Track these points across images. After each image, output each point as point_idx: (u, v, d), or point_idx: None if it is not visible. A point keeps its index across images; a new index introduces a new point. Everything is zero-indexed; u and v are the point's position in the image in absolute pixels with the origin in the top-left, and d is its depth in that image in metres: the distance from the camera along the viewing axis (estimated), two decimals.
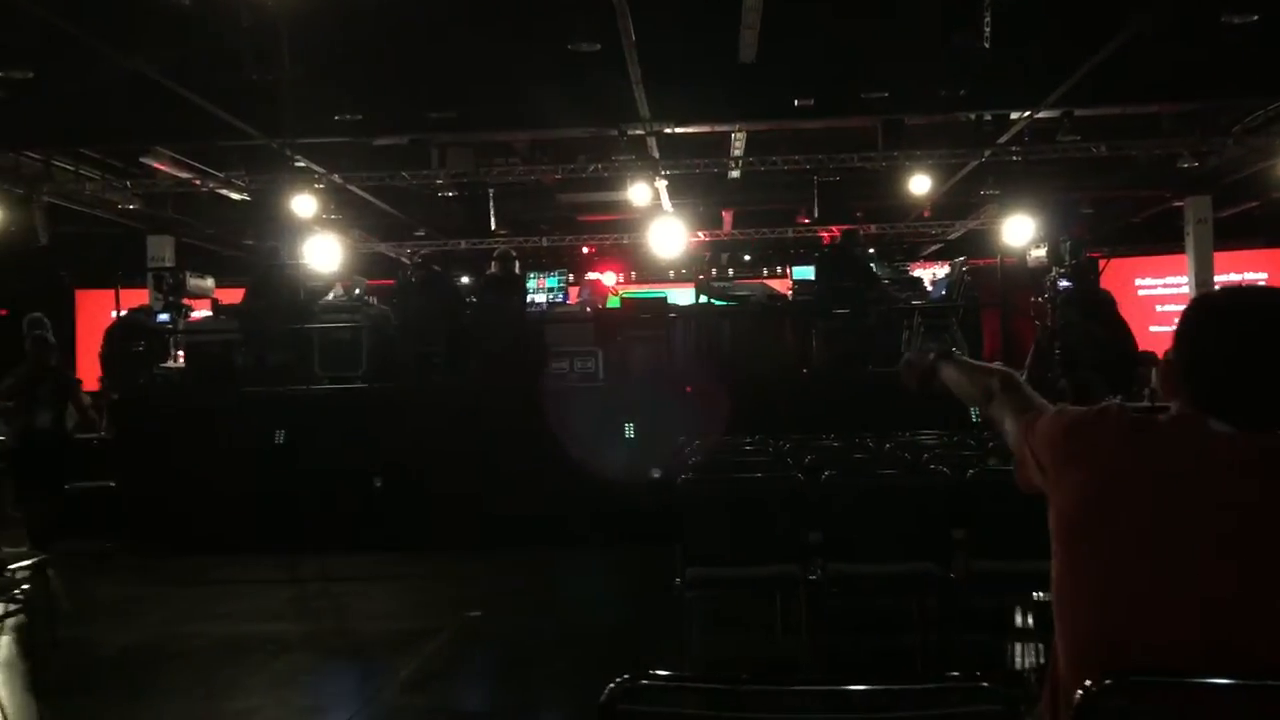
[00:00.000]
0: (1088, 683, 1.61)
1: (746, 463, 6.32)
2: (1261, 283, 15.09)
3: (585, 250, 20.55)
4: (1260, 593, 1.69)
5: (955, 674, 1.92)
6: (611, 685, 1.64)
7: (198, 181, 14.62)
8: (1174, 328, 1.94)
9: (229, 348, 10.72)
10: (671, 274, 20.56)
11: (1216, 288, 2.03)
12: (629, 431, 9.18)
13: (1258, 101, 12.71)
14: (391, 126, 12.92)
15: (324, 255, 14.70)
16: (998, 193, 15.80)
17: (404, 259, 18.93)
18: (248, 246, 17.75)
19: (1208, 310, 1.91)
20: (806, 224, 17.66)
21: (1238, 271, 17.16)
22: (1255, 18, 10.21)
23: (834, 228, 15.64)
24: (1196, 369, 1.86)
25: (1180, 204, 16.89)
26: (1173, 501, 1.76)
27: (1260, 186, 14.95)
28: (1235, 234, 17.40)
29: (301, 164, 13.65)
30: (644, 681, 1.63)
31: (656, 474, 7.63)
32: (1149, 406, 9.57)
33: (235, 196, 15.28)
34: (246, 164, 14.20)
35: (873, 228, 18.48)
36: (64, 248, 15.95)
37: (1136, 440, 1.85)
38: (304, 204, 13.90)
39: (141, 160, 13.86)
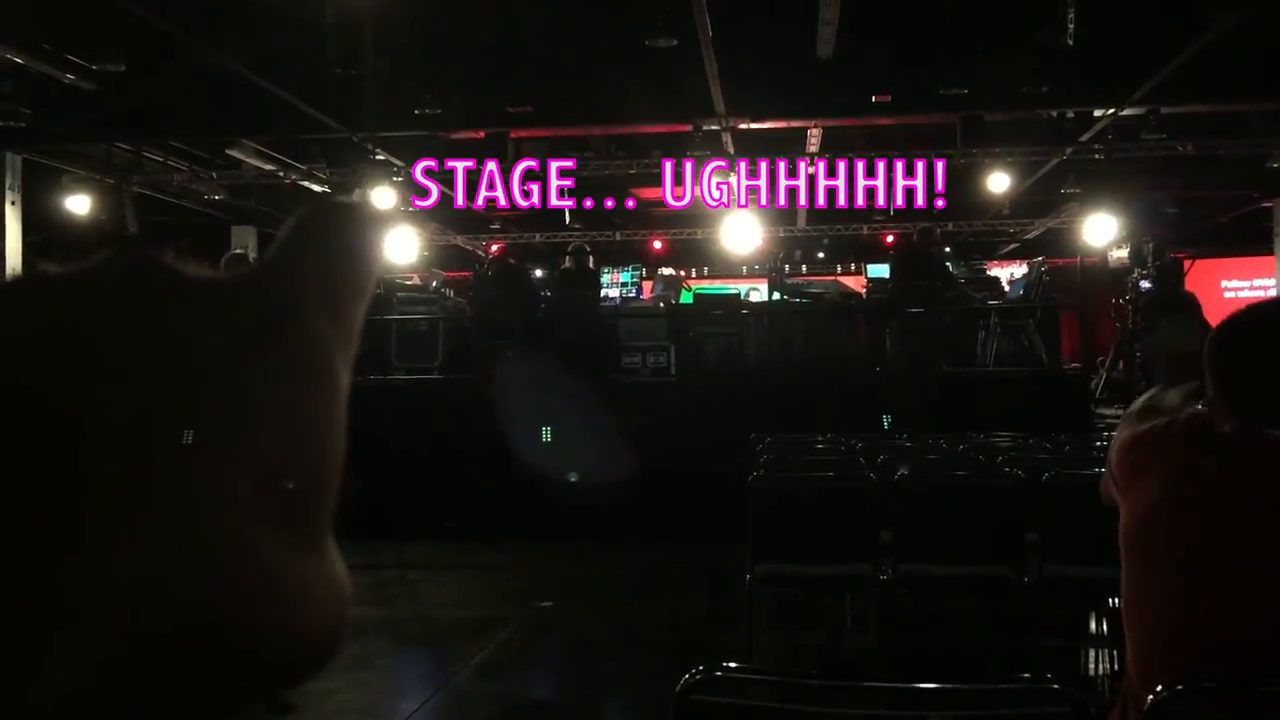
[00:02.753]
0: (1159, 688, 1.61)
1: (818, 461, 6.32)
2: None
3: (656, 245, 20.56)
4: None
5: (1026, 675, 1.94)
6: (686, 676, 1.68)
7: (281, 173, 14.93)
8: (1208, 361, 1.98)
9: None
10: (744, 270, 20.54)
11: (1247, 308, 2.06)
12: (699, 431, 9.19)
13: None
14: (469, 120, 13.08)
15: (402, 248, 14.93)
16: (1079, 191, 15.56)
17: (480, 252, 19.14)
18: None
19: (1242, 332, 1.97)
20: (882, 222, 17.51)
21: None
22: None
23: (910, 225, 15.49)
24: (1237, 385, 1.92)
25: (1269, 204, 16.47)
26: (1236, 505, 1.79)
27: None
28: None
29: (381, 157, 13.88)
30: (717, 673, 1.67)
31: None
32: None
33: (316, 188, 15.58)
34: (328, 156, 14.47)
35: (950, 226, 18.27)
36: (152, 237, 16.38)
37: (1197, 449, 1.88)
38: (383, 196, 14.13)
39: (227, 152, 14.21)
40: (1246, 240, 17.70)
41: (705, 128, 13.07)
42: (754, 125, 13.19)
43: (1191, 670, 1.64)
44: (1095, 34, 10.19)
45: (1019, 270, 15.71)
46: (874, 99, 12.14)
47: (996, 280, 13.51)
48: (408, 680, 5.54)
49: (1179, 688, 1.63)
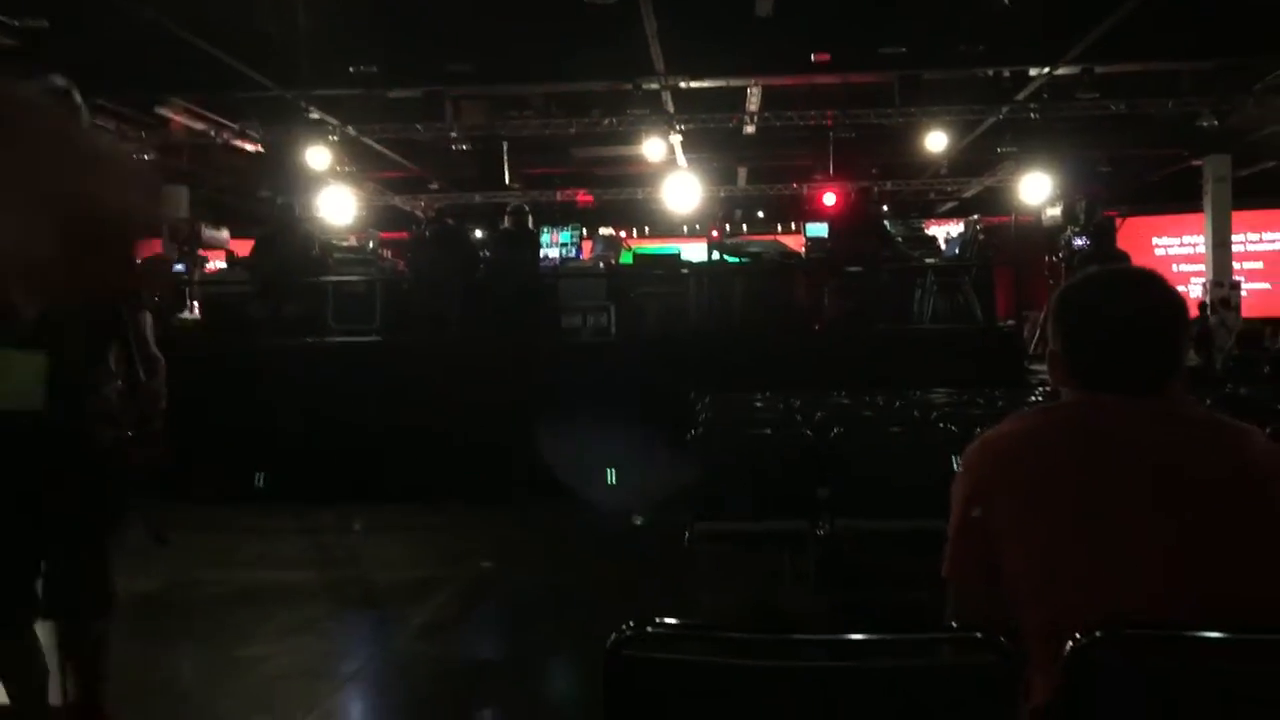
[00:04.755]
0: (1077, 635, 1.64)
1: (757, 419, 6.35)
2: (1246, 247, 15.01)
3: (590, 203, 20.44)
4: (1197, 542, 1.81)
5: (954, 625, 1.97)
6: (616, 632, 1.68)
7: (212, 132, 14.63)
8: (1048, 320, 2.08)
9: (244, 299, 10.76)
10: (685, 230, 20.54)
11: (1078, 277, 2.13)
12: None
13: (1278, 60, 12.58)
14: (406, 79, 12.90)
15: (338, 208, 14.73)
16: (1014, 150, 15.71)
17: (418, 213, 18.94)
18: (262, 198, 17.77)
19: (1081, 296, 2.05)
20: (821, 181, 17.58)
21: (1254, 231, 17.07)
22: None
23: (848, 185, 15.57)
24: (1083, 353, 2.01)
25: (1199, 163, 16.76)
26: (1099, 477, 1.88)
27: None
28: (1254, 193, 17.28)
29: (316, 116, 13.64)
30: (649, 629, 1.68)
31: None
32: None
33: (249, 148, 15.29)
34: (261, 116, 14.20)
35: (888, 185, 18.40)
36: None
37: (1052, 436, 1.98)
38: (318, 156, 13.91)
39: (156, 111, 13.87)
40: (1176, 198, 18.01)
41: (645, 86, 13.01)
42: (693, 84, 13.15)
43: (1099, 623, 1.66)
44: None
45: (955, 229, 15.87)
46: (813, 58, 12.13)
47: (933, 239, 13.64)
48: (348, 642, 5.51)
49: (1097, 634, 1.65)
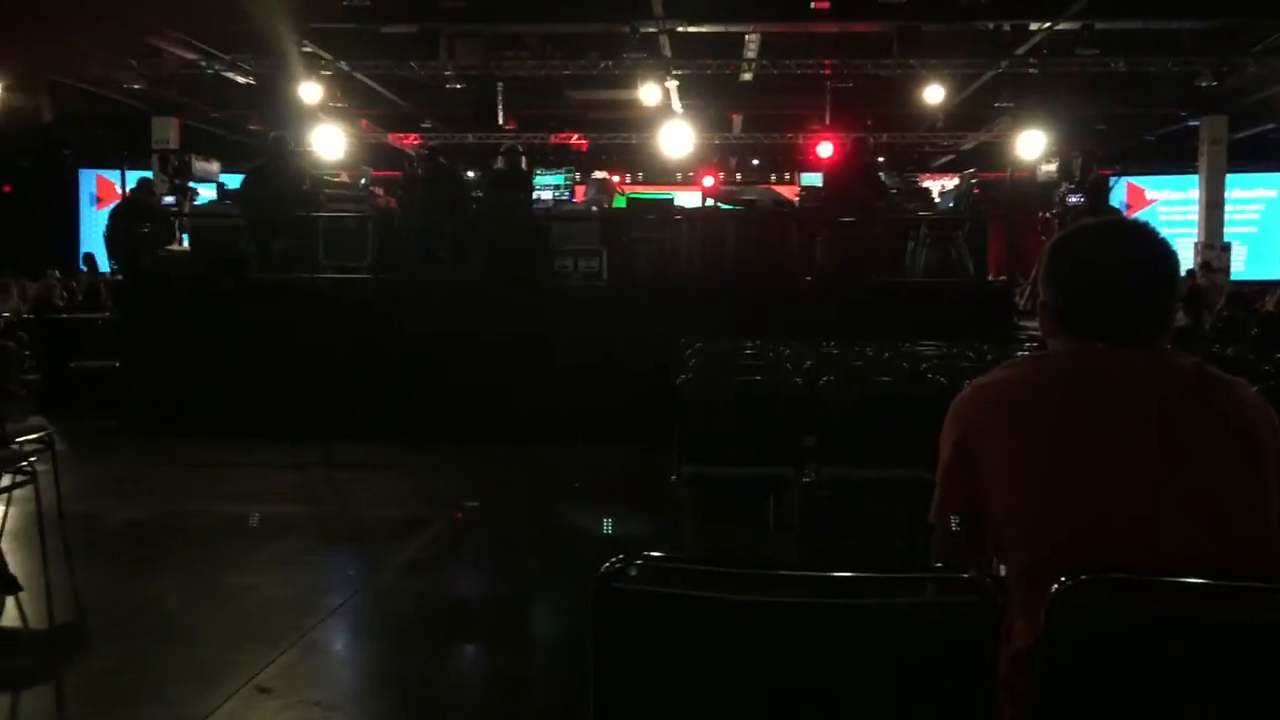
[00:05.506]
0: (1063, 579, 1.66)
1: (746, 366, 6.37)
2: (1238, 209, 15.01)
3: (584, 147, 20.31)
4: (1184, 490, 1.84)
5: (939, 565, 1.99)
6: (605, 565, 1.69)
7: (204, 63, 14.45)
8: (1039, 272, 2.08)
9: (234, 233, 10.70)
10: (679, 177, 20.43)
11: (1070, 229, 2.14)
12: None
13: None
14: (400, 14, 12.74)
15: (329, 143, 14.60)
16: (1012, 105, 15.63)
17: (410, 151, 18.80)
18: (253, 132, 17.61)
19: (1074, 248, 2.06)
20: (817, 130, 17.48)
21: (1247, 193, 17.07)
22: None
23: (844, 135, 15.49)
24: (1075, 303, 2.01)
25: (1195, 124, 16.71)
26: (1088, 424, 1.90)
27: (1278, 108, 14.77)
28: (1249, 156, 17.25)
29: (308, 49, 13.48)
30: (638, 562, 1.69)
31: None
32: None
33: (241, 80, 15.12)
34: (253, 47, 14.02)
35: (884, 137, 18.30)
36: (68, 127, 15.82)
37: (1042, 383, 1.99)
38: (310, 91, 13.77)
39: (148, 40, 13.69)
40: (1172, 159, 17.97)
41: (642, 29, 12.88)
42: (691, 29, 13.02)
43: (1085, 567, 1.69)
44: None
45: (950, 183, 15.82)
46: (813, 5, 12.02)
47: (927, 191, 13.61)
48: (333, 576, 5.55)
49: (1083, 578, 1.67)
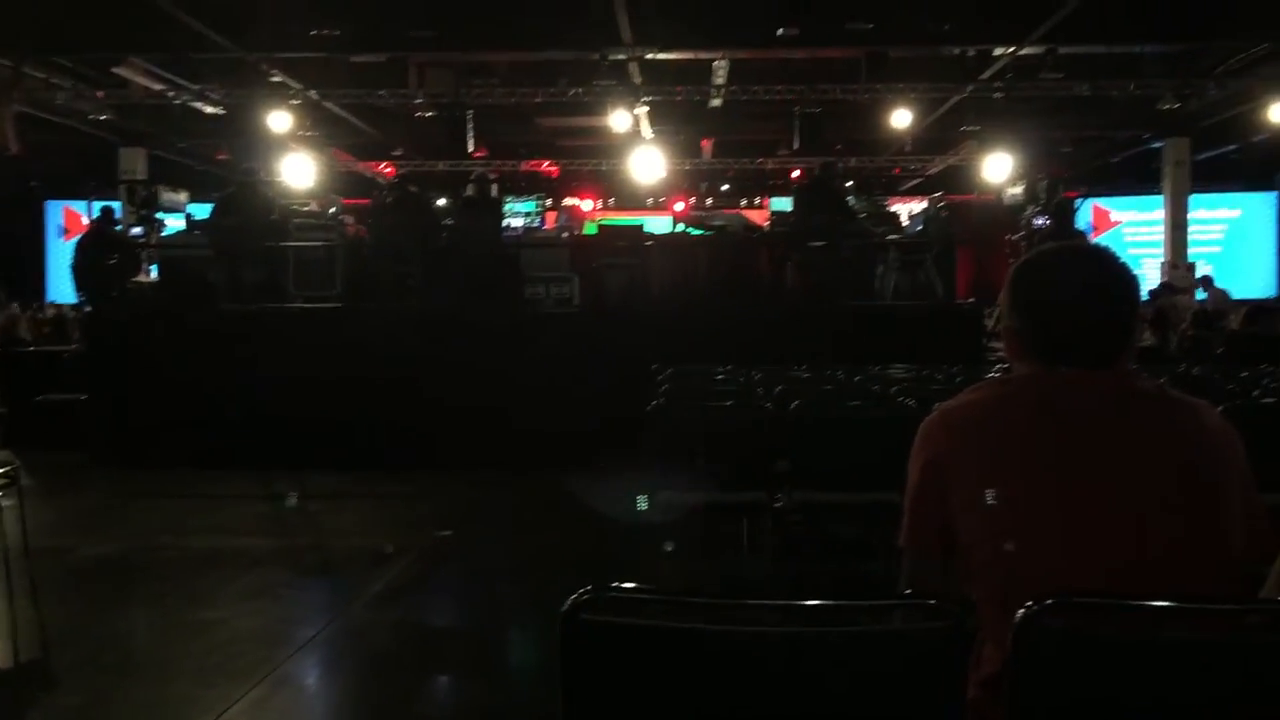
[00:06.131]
0: (1029, 603, 1.67)
1: (718, 391, 6.37)
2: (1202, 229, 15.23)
3: (554, 174, 20.34)
4: (1150, 513, 1.86)
5: (909, 592, 2.00)
6: (574, 596, 1.69)
7: (171, 93, 14.40)
8: (1004, 296, 2.10)
9: (203, 263, 10.64)
10: (650, 202, 20.49)
11: (1033, 253, 2.17)
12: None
13: (1240, 44, 12.70)
14: (369, 43, 12.74)
15: (299, 172, 14.57)
16: (978, 129, 15.78)
17: (380, 179, 18.77)
18: (221, 162, 17.55)
19: (1036, 272, 2.09)
20: (786, 155, 17.60)
21: (1211, 213, 17.29)
22: None
23: (813, 160, 15.61)
24: (1039, 327, 2.03)
25: (1159, 145, 16.92)
26: (1055, 448, 1.93)
27: (1239, 130, 14.98)
28: (1212, 176, 17.47)
29: (277, 79, 13.46)
30: (606, 593, 1.69)
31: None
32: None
33: (209, 110, 15.07)
34: (222, 78, 13.98)
35: (853, 161, 18.43)
36: (35, 158, 15.71)
37: (1008, 407, 2.01)
38: (279, 120, 13.74)
39: (114, 70, 13.63)
40: (1136, 180, 18.17)
41: (611, 57, 12.94)
42: (661, 55, 13.09)
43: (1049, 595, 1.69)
44: None
45: (918, 206, 15.94)
46: (780, 32, 12.11)
47: (896, 215, 13.70)
48: (305, 608, 5.50)
49: (1049, 602, 1.68)
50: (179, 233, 13.65)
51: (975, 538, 1.95)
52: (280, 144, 14.38)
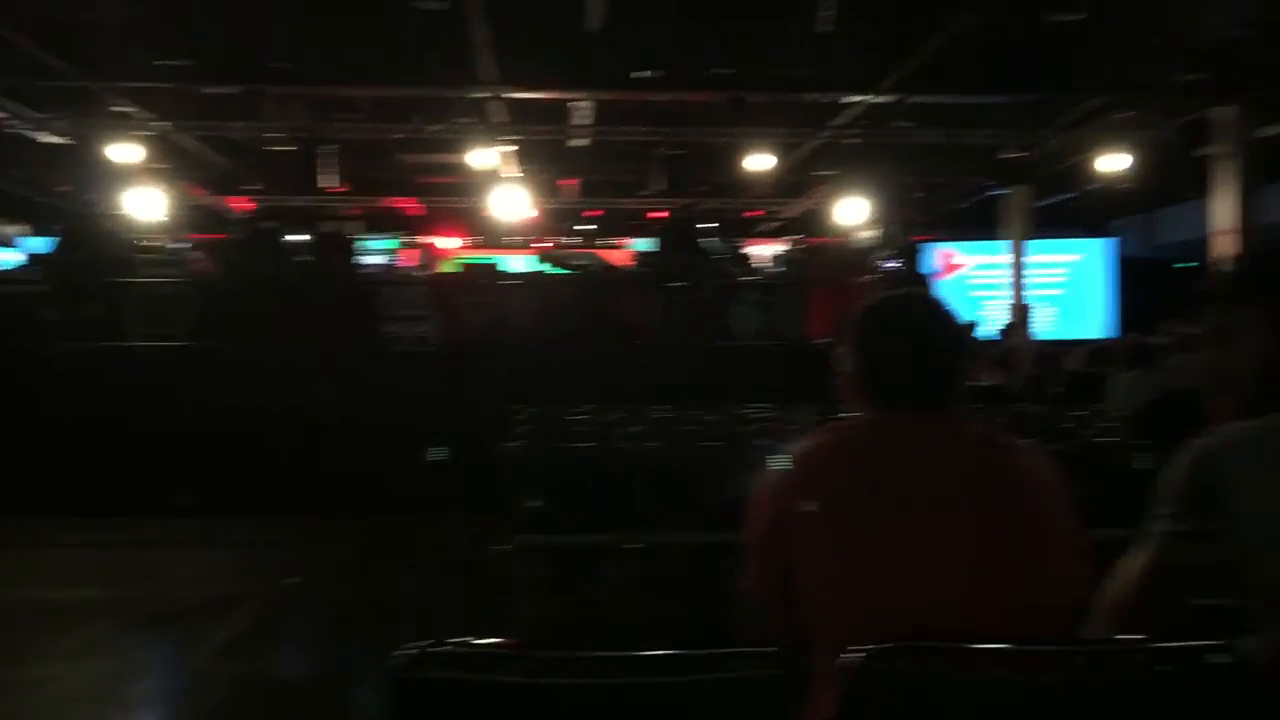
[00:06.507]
0: (869, 647, 1.67)
1: (577, 432, 6.35)
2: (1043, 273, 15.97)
3: (419, 211, 20.14)
4: (981, 555, 1.92)
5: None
6: (405, 653, 1.64)
7: (15, 122, 13.76)
8: (845, 344, 2.19)
9: (37, 300, 10.14)
10: (512, 241, 20.39)
11: (867, 304, 2.26)
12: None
13: (1078, 97, 13.37)
14: (223, 75, 12.41)
15: (146, 206, 14.07)
16: (835, 174, 16.18)
17: (232, 214, 18.28)
18: (62, 194, 16.82)
19: (870, 320, 2.17)
20: (649, 197, 17.77)
21: (1054, 257, 18.06)
22: (1081, 16, 10.68)
23: (676, 201, 15.80)
24: (873, 373, 2.11)
25: (1005, 192, 17.65)
26: (890, 493, 1.97)
27: (1076, 179, 15.72)
28: (1054, 223, 18.30)
29: (124, 109, 13.01)
30: (433, 649, 1.64)
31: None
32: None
33: (52, 140, 14.44)
34: (66, 106, 13.42)
35: (715, 203, 18.70)
36: None
37: (846, 453, 2.07)
38: (127, 152, 13.27)
39: None
40: (983, 225, 18.89)
41: (473, 95, 12.89)
42: (521, 95, 13.09)
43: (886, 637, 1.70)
44: (853, 21, 10.59)
45: (777, 249, 16.27)
46: (634, 74, 12.26)
47: (753, 257, 13.95)
48: (140, 662, 5.25)
49: (881, 646, 1.68)
50: (19, 267, 13.01)
51: (814, 581, 1.96)
52: (128, 176, 13.87)
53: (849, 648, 1.69)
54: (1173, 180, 14.92)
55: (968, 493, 1.98)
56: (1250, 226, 12.62)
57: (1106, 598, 1.89)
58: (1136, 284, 17.45)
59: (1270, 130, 12.94)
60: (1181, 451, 1.82)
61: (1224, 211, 12.89)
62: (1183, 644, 1.67)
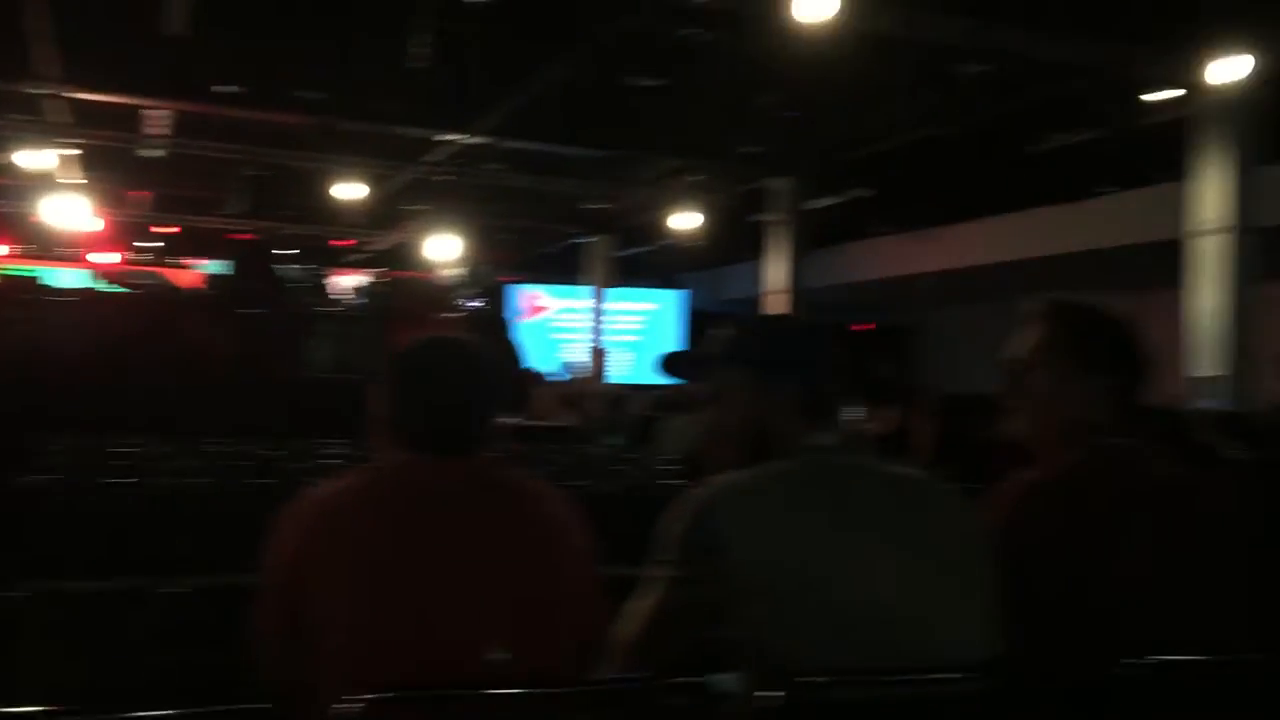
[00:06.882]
0: (351, 699, 1.61)
1: (113, 467, 5.84)
2: (622, 319, 16.90)
3: None
4: (493, 602, 1.93)
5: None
6: None
7: None
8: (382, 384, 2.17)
9: None
10: (65, 253, 18.62)
11: (405, 347, 2.30)
12: None
13: (653, 156, 14.27)
14: None
15: None
16: (426, 209, 16.22)
17: None
18: None
19: (404, 365, 2.19)
20: (231, 217, 16.95)
21: (633, 305, 19.07)
22: (663, 82, 11.42)
23: (257, 224, 15.17)
24: (400, 415, 2.12)
25: (588, 240, 18.47)
26: (408, 538, 1.98)
27: (655, 233, 16.74)
28: (634, 272, 19.40)
29: None
30: None
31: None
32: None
33: None
34: None
35: (300, 229, 18.14)
36: None
37: (369, 496, 2.04)
38: None
39: None
40: (568, 270, 19.67)
41: (31, 91, 11.72)
42: (86, 96, 12.06)
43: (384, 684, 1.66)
44: (448, 62, 10.69)
45: (361, 279, 16.02)
46: (215, 89, 11.70)
47: (333, 287, 13.65)
48: None
49: (388, 695, 1.63)
50: None
51: (323, 624, 1.90)
52: None
53: (344, 697, 1.62)
54: (736, 241, 16.27)
55: (485, 534, 2.00)
56: (798, 288, 13.99)
57: (619, 637, 1.95)
58: (705, 334, 18.77)
59: (819, 202, 14.46)
60: (681, 500, 1.92)
61: (777, 273, 14.20)
62: (688, 679, 1.73)
